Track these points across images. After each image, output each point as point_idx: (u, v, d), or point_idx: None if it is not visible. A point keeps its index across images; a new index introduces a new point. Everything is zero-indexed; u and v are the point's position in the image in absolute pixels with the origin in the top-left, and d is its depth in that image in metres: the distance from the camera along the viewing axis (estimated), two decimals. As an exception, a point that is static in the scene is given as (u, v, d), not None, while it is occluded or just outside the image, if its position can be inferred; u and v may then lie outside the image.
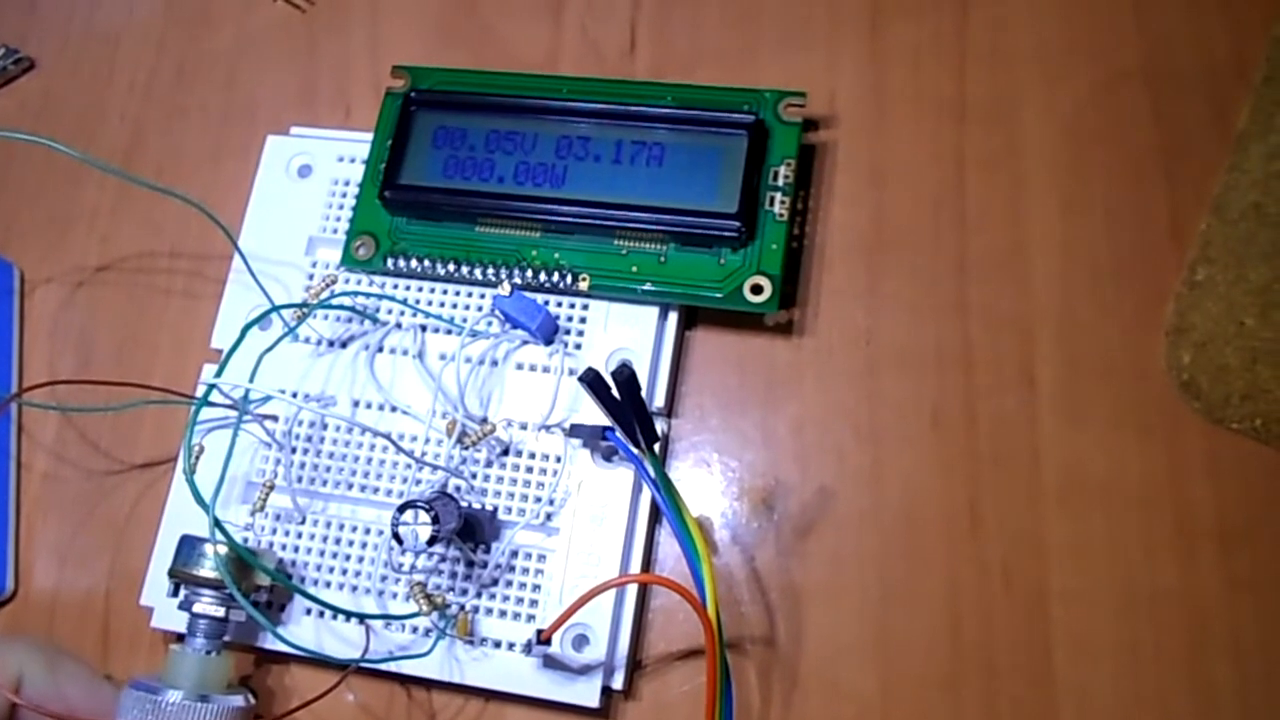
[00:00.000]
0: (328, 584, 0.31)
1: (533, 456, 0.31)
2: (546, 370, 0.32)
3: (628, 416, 0.26)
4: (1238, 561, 0.28)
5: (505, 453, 0.31)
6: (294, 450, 0.32)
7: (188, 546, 0.29)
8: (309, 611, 0.31)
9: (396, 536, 0.27)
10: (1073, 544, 0.29)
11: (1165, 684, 0.28)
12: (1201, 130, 0.32)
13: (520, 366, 0.32)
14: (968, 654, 0.29)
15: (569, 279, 0.32)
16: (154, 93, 0.40)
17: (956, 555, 0.29)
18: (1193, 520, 0.29)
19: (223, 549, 0.29)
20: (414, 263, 0.33)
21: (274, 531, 0.32)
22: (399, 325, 0.33)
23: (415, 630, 0.30)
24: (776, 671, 0.29)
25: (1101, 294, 0.31)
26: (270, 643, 0.31)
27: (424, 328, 0.33)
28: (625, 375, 0.25)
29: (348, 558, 0.31)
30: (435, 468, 0.31)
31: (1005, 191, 0.32)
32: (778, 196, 0.31)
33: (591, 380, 0.25)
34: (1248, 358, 0.29)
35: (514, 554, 0.30)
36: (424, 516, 0.27)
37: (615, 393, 0.25)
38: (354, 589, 0.31)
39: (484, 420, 0.31)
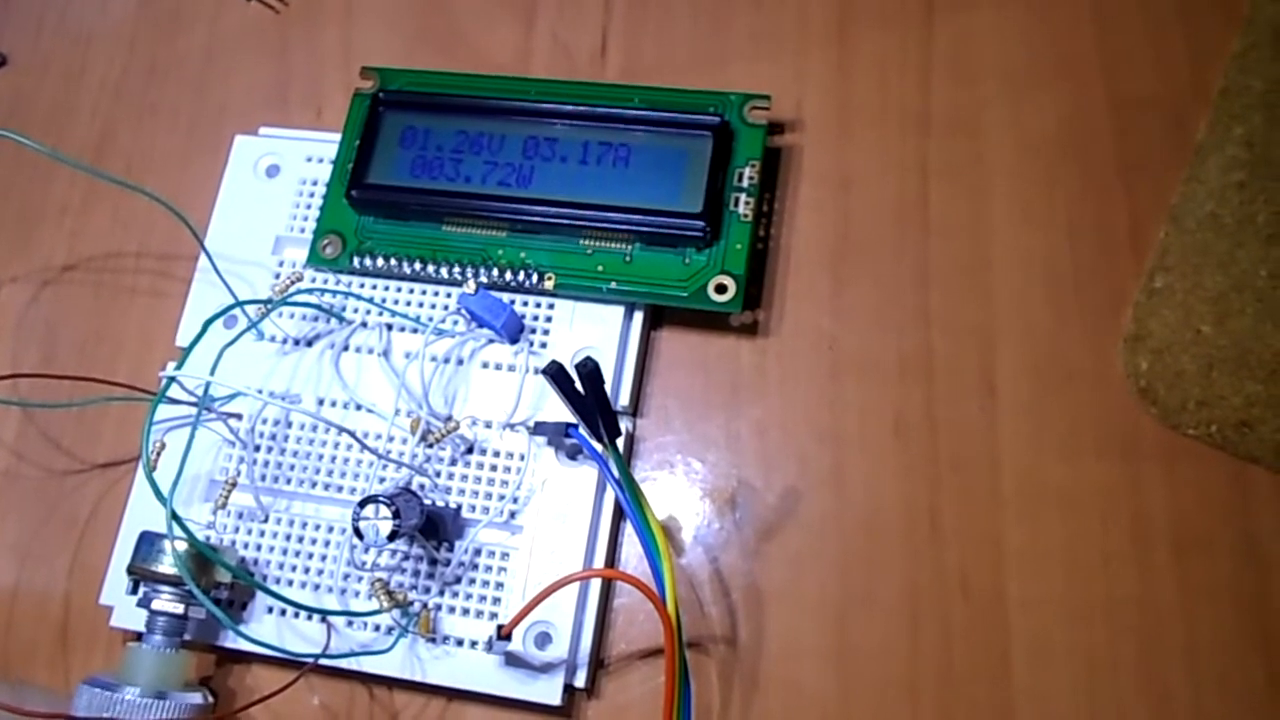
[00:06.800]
0: (290, 582, 0.31)
1: (497, 455, 0.31)
2: (512, 369, 0.32)
3: (591, 410, 0.26)
4: (1194, 567, 0.29)
5: (469, 451, 0.31)
6: (257, 448, 0.32)
7: (147, 543, 0.29)
8: (270, 610, 0.31)
9: (357, 531, 0.27)
10: (1031, 549, 0.29)
11: (1121, 689, 0.28)
12: (1161, 142, 0.32)
13: (485, 365, 0.32)
14: (926, 658, 0.29)
15: (535, 278, 0.32)
16: (125, 91, 0.40)
17: (916, 560, 0.30)
18: (1149, 526, 0.29)
19: (182, 545, 0.28)
20: (380, 261, 0.33)
21: (236, 530, 0.32)
22: (364, 324, 0.33)
23: (377, 628, 0.30)
24: (736, 672, 0.29)
25: (1061, 302, 0.31)
26: (231, 641, 0.31)
27: (389, 326, 0.33)
28: (589, 368, 0.25)
29: (310, 556, 0.31)
30: (399, 465, 0.31)
31: (968, 201, 0.33)
32: (742, 197, 0.32)
33: (555, 373, 0.25)
34: (1204, 365, 0.30)
35: (477, 552, 0.30)
36: (385, 511, 0.27)
37: (579, 386, 0.25)
38: (316, 587, 0.31)
39: (448, 418, 0.31)
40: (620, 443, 0.28)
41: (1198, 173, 0.31)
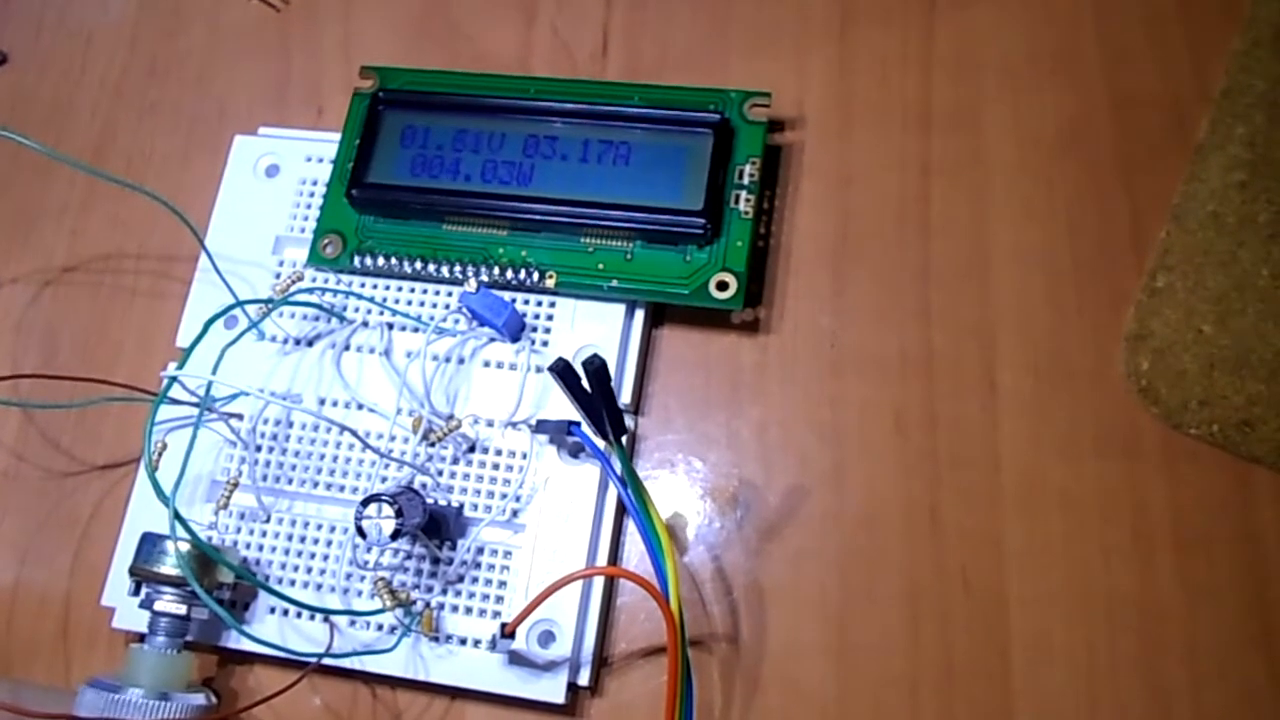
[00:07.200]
0: (292, 582, 0.31)
1: (499, 453, 0.31)
2: (513, 367, 0.32)
3: (597, 408, 0.26)
4: (1194, 566, 0.29)
5: (471, 449, 0.31)
6: (259, 448, 0.32)
7: (149, 544, 0.29)
8: (273, 610, 0.31)
9: (360, 530, 0.27)
10: (1031, 547, 0.29)
11: (1121, 687, 0.28)
12: (1162, 141, 0.32)
13: (487, 364, 0.32)
14: (926, 655, 0.29)
15: (536, 276, 0.32)
16: (125, 89, 0.40)
17: (916, 558, 0.30)
18: (1150, 525, 0.29)
19: (184, 545, 0.28)
20: (381, 261, 0.33)
21: (238, 530, 0.32)
22: (365, 323, 0.33)
23: (380, 627, 0.30)
24: (738, 670, 0.29)
25: (1062, 300, 0.31)
26: (234, 641, 0.31)
27: (391, 325, 0.33)
28: (596, 365, 0.25)
29: (313, 556, 0.31)
30: (401, 464, 0.31)
31: (968, 199, 0.33)
32: (743, 195, 0.32)
33: (561, 370, 0.25)
34: (1205, 364, 0.30)
35: (480, 551, 0.30)
36: (387, 510, 0.27)
37: (585, 383, 0.25)
38: (319, 587, 0.31)
39: (450, 417, 0.31)
40: (624, 440, 0.28)
41: (1199, 172, 0.31)
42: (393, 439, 0.31)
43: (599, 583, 0.30)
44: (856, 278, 0.33)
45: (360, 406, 0.32)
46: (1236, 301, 0.30)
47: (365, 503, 0.28)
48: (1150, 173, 0.32)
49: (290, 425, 0.32)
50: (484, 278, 0.32)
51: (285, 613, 0.31)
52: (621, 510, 0.31)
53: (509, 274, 0.32)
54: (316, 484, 0.32)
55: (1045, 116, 0.33)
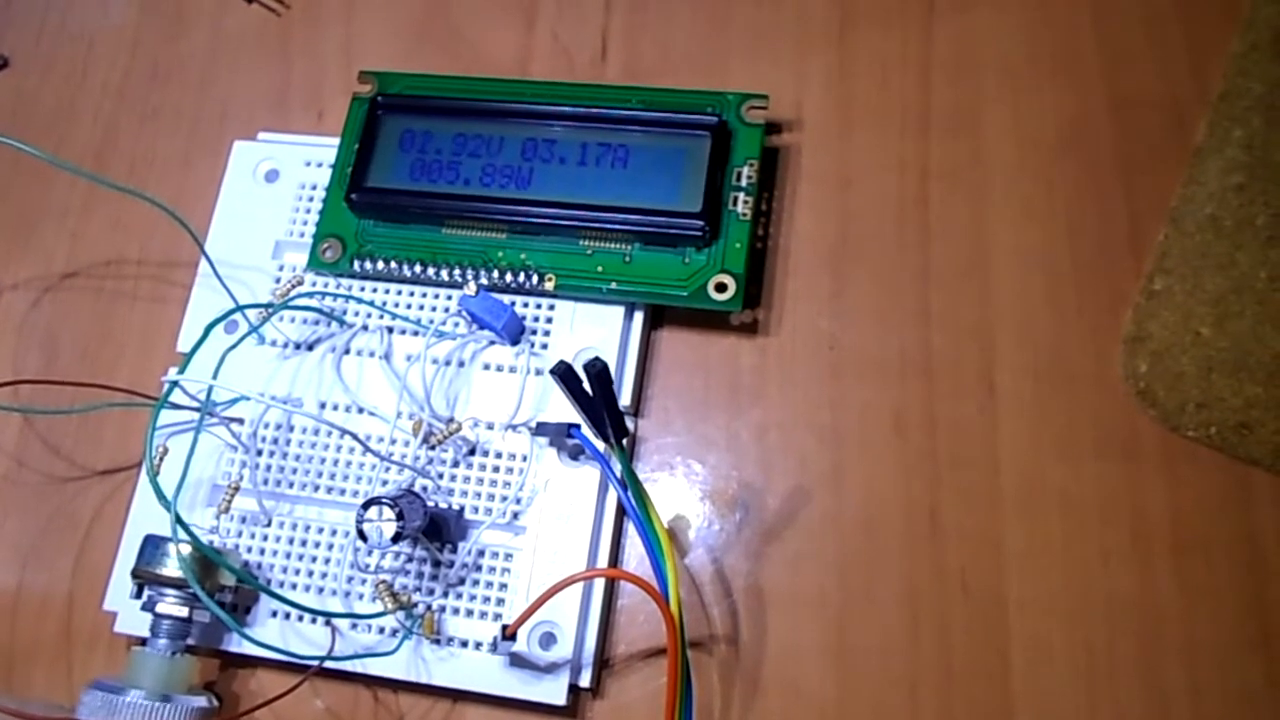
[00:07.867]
0: (294, 586, 0.31)
1: (499, 456, 0.31)
2: (513, 370, 0.32)
3: (598, 411, 0.26)
4: (1192, 567, 0.29)
5: (472, 452, 0.31)
6: (259, 452, 0.32)
7: (151, 546, 0.29)
8: (274, 614, 0.31)
9: (361, 534, 0.27)
10: (1030, 549, 0.29)
11: (1120, 689, 0.28)
12: (1160, 143, 0.32)
13: (487, 366, 0.32)
14: (926, 657, 0.29)
15: (535, 279, 0.32)
16: (127, 93, 0.40)
17: (916, 559, 0.30)
18: (1148, 526, 0.29)
19: (186, 548, 0.28)
20: (381, 264, 0.33)
21: (239, 534, 0.32)
22: (365, 327, 0.33)
23: (382, 630, 0.30)
24: (737, 672, 0.29)
25: (1061, 303, 0.31)
26: (235, 645, 0.31)
27: (390, 329, 0.33)
28: (598, 368, 0.25)
29: (314, 559, 0.31)
30: (402, 467, 0.31)
31: (967, 201, 0.33)
32: (741, 196, 0.32)
33: (563, 373, 0.25)
34: (1203, 367, 0.30)
35: (480, 553, 0.30)
36: (388, 513, 0.27)
37: (587, 386, 0.25)
38: (320, 590, 0.31)
39: (450, 420, 0.31)
40: (625, 442, 0.28)
41: (1197, 175, 0.31)
42: (393, 442, 0.31)
43: (599, 584, 0.30)
44: (856, 279, 0.33)
45: (360, 410, 0.32)
46: (1234, 304, 0.30)
47: (366, 506, 0.28)
48: (1149, 174, 0.32)
49: (291, 429, 0.32)
50: (483, 281, 0.32)
51: (287, 616, 0.31)
52: (621, 512, 0.31)
53: (508, 277, 0.32)
54: (317, 487, 0.32)
55: (1045, 118, 0.33)
